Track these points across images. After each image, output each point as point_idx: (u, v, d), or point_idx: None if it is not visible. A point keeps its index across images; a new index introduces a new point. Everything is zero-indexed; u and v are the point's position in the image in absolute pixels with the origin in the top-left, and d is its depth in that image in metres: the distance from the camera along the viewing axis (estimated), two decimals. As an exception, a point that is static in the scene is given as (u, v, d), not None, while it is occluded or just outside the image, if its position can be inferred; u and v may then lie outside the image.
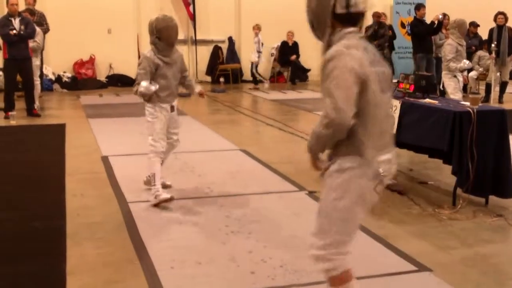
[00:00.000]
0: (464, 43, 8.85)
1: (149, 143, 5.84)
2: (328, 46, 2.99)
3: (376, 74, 2.92)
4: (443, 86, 9.27)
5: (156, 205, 5.74)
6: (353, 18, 2.96)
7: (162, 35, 5.66)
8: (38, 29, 11.54)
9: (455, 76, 8.70)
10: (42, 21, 13.31)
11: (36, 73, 11.60)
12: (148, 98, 5.70)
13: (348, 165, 2.95)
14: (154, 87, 5.61)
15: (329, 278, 3.07)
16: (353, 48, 2.87)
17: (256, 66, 16.36)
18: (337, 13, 2.93)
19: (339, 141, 2.94)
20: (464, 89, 10.62)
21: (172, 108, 5.91)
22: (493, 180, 5.83)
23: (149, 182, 5.99)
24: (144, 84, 5.60)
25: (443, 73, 8.95)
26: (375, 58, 2.97)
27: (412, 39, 13.87)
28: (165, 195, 5.75)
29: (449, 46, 8.62)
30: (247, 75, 17.29)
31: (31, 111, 11.02)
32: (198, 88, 6.26)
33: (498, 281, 4.29)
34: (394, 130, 6.28)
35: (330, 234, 3.01)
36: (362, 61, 2.86)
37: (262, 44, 16.01)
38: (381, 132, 2.98)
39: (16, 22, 10.59)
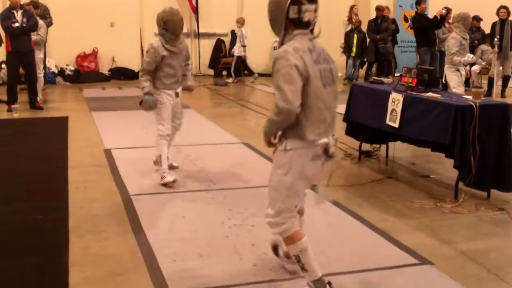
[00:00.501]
0: (468, 37, 8.79)
1: (156, 128, 6.27)
2: (281, 44, 3.59)
3: (319, 71, 3.50)
4: (445, 80, 9.25)
5: (163, 185, 6.16)
6: (303, 23, 3.54)
7: (169, 27, 6.10)
8: (41, 22, 11.52)
9: (458, 70, 8.64)
10: (45, 14, 13.29)
11: (40, 66, 11.58)
12: (148, 108, 6.24)
13: (291, 146, 3.55)
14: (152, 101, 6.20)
15: (284, 239, 3.72)
16: (299, 50, 3.46)
17: (244, 60, 16.32)
18: (290, 18, 3.52)
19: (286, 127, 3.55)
20: (467, 83, 10.58)
21: (176, 94, 6.35)
22: (495, 174, 5.84)
23: (157, 162, 6.40)
24: (149, 98, 6.18)
25: (446, 66, 8.90)
26: (320, 58, 3.55)
27: (415, 33, 13.83)
28: (169, 177, 6.18)
29: (453, 39, 8.53)
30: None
31: (33, 104, 11.03)
32: (190, 81, 6.70)
33: (500, 274, 4.30)
34: (396, 124, 6.34)
35: (279, 204, 3.66)
36: (305, 60, 3.43)
37: (246, 37, 15.80)
38: (322, 120, 3.55)
39: (18, 15, 10.58)
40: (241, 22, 15.82)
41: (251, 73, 16.77)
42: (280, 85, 3.41)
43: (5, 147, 8.13)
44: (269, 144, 3.74)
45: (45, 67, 13.07)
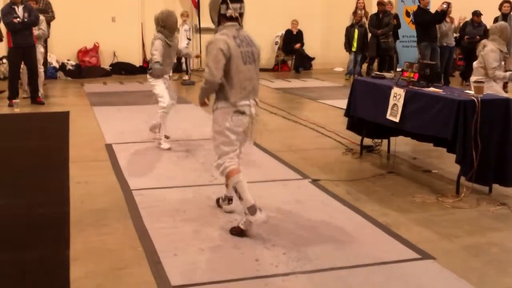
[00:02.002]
0: (505, 50, 8.16)
1: (158, 101, 7.52)
2: (215, 33, 4.77)
3: (240, 52, 4.67)
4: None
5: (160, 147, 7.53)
6: (231, 17, 4.72)
7: (166, 25, 7.37)
8: (42, 17, 11.52)
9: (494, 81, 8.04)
10: (47, 9, 13.29)
11: (40, 60, 11.58)
12: (157, 76, 7.47)
13: (220, 106, 4.75)
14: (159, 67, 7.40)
15: (226, 175, 4.83)
16: (224, 36, 4.64)
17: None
18: (221, 13, 4.72)
19: (217, 92, 4.73)
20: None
21: (169, 77, 7.85)
22: (496, 169, 5.83)
23: (153, 127, 7.70)
24: (159, 66, 7.35)
25: (474, 79, 7.39)
26: (243, 43, 4.72)
27: (416, 28, 13.81)
28: (165, 144, 7.55)
29: (494, 53, 7.89)
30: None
31: (35, 99, 11.03)
32: (194, 53, 8.62)
33: (501, 269, 4.31)
34: (397, 119, 6.34)
35: (219, 150, 4.82)
36: (229, 44, 4.61)
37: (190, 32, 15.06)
38: (242, 87, 4.71)
39: (19, 10, 10.57)
40: (187, 15, 14.94)
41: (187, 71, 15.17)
42: (209, 63, 4.64)
43: (6, 142, 8.13)
44: (202, 104, 5.01)
45: (46, 62, 13.04)
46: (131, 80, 14.62)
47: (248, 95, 4.76)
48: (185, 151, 7.45)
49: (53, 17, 13.40)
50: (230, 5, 4.69)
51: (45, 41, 12.42)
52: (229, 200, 5.29)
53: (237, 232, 4.75)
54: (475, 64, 8.28)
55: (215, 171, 5.00)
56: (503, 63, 8.33)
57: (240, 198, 4.71)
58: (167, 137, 7.80)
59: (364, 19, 15.85)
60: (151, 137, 7.77)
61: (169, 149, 7.45)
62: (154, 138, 7.70)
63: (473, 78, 7.83)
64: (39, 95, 11.23)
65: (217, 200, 5.46)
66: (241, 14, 4.77)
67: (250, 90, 4.77)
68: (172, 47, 7.53)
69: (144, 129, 8.05)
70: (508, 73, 8.07)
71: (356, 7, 16.23)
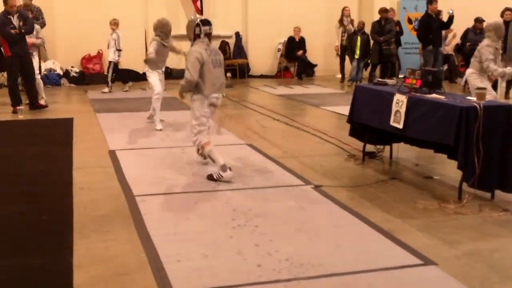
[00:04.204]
0: (500, 46, 8.63)
1: (152, 90, 9.42)
2: (191, 46, 6.55)
3: (211, 59, 6.44)
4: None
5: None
6: (202, 36, 6.51)
7: (163, 32, 9.34)
8: (37, 26, 11.76)
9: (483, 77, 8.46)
10: (38, 16, 13.47)
11: (36, 68, 11.78)
12: (150, 62, 9.30)
13: (196, 97, 6.51)
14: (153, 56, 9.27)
15: (201, 147, 6.59)
16: (198, 48, 6.44)
17: (116, 65, 14.30)
18: (195, 33, 6.52)
19: (194, 87, 6.45)
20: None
21: (162, 71, 9.72)
22: (499, 175, 5.83)
23: (151, 116, 9.68)
24: (152, 55, 9.23)
25: (470, 71, 8.61)
26: (212, 53, 6.53)
27: (421, 34, 13.81)
28: (159, 125, 9.27)
29: (489, 47, 8.28)
30: (253, 71, 17.29)
31: (34, 105, 11.15)
32: (182, 51, 9.65)
33: (504, 275, 4.30)
34: (401, 125, 6.35)
35: (195, 129, 6.53)
36: (202, 54, 6.38)
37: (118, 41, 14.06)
38: (212, 84, 6.45)
39: (15, 19, 10.70)
40: (116, 23, 13.97)
41: (112, 80, 14.36)
42: (188, 67, 6.36)
43: (11, 148, 8.16)
44: (181, 97, 6.77)
45: (40, 69, 13.15)
46: (135, 87, 14.66)
47: (217, 90, 6.55)
48: (188, 158, 7.46)
49: (43, 24, 13.53)
50: (202, 28, 6.51)
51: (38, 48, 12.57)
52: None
53: (211, 179, 6.46)
54: (472, 58, 8.72)
55: (193, 144, 6.75)
56: (500, 59, 8.75)
57: (213, 161, 6.64)
58: (161, 120, 9.48)
59: (351, 25, 15.98)
60: (148, 120, 9.77)
61: (160, 130, 9.16)
62: (148, 118, 9.80)
63: (468, 71, 8.71)
64: (43, 101, 11.31)
65: (197, 151, 7.00)
66: (209, 34, 6.58)
67: (219, 86, 6.57)
68: (166, 47, 9.49)
69: (147, 135, 8.07)
70: (501, 70, 8.36)
71: (342, 15, 16.30)
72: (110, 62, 14.16)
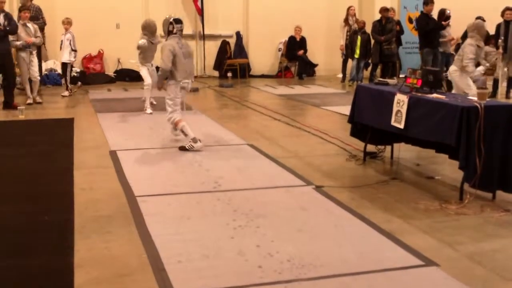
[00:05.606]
0: (483, 45, 9.07)
1: (144, 80, 10.91)
2: (166, 40, 7.84)
3: (182, 52, 7.73)
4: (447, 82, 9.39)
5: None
6: (174, 32, 7.78)
7: (148, 30, 10.75)
8: (35, 26, 11.97)
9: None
10: (38, 15, 13.46)
11: (36, 69, 12.01)
12: (141, 51, 10.84)
13: (171, 82, 7.80)
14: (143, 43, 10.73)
15: (175, 123, 7.92)
16: (171, 42, 7.72)
17: (72, 67, 13.74)
18: (169, 30, 7.81)
19: (169, 75, 7.75)
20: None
21: (151, 65, 11.06)
22: (500, 175, 5.83)
23: (143, 102, 10.92)
24: (141, 42, 10.70)
25: (453, 69, 9.02)
26: (183, 46, 7.83)
27: (419, 34, 13.82)
28: (149, 110, 10.75)
29: (471, 46, 8.78)
30: (254, 71, 17.29)
31: (10, 104, 11.23)
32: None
33: (505, 276, 4.29)
34: (402, 125, 6.34)
35: (170, 108, 7.89)
36: (174, 46, 7.66)
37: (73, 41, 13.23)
38: (183, 71, 7.77)
39: (1, 18, 10.85)
40: (69, 23, 13.11)
41: (74, 81, 14.15)
42: (164, 58, 7.61)
43: (11, 148, 8.15)
44: (159, 88, 8.19)
45: (40, 69, 13.28)
46: (135, 87, 14.63)
47: (188, 76, 7.92)
48: (189, 159, 7.46)
49: (44, 23, 13.54)
50: (175, 25, 7.81)
51: (39, 48, 12.60)
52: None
53: (183, 149, 7.78)
54: (456, 56, 9.46)
55: (168, 122, 8.07)
56: (483, 57, 9.47)
57: (185, 134, 7.85)
58: (153, 104, 10.99)
59: (356, 25, 15.95)
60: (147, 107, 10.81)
61: (151, 113, 10.55)
62: (142, 100, 11.11)
63: (451, 68, 9.35)
64: (38, 98, 11.85)
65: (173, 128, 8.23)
66: (181, 30, 7.90)
67: (189, 73, 7.95)
68: (154, 44, 10.88)
69: (148, 136, 8.07)
70: (477, 72, 9.02)
71: (347, 14, 16.29)
72: (64, 63, 13.21)
